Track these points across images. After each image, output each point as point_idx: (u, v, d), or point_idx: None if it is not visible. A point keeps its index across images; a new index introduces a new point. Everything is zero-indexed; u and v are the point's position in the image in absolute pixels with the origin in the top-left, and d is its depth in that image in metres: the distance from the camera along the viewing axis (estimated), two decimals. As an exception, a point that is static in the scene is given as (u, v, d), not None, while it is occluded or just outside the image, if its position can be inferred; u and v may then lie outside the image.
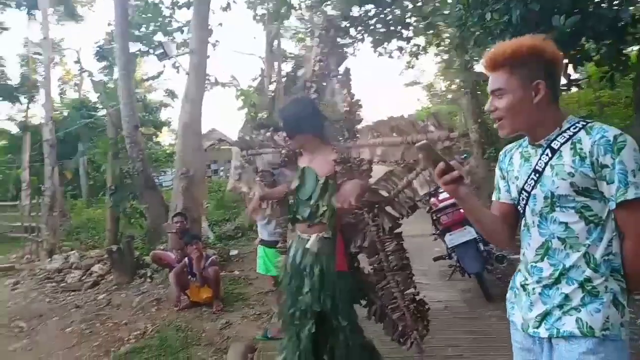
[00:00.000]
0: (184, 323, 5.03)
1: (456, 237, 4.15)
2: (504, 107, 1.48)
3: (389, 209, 2.69)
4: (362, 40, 14.33)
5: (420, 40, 13.99)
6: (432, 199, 4.63)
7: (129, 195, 10.11)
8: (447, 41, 12.22)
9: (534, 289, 1.50)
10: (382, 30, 13.39)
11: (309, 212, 2.62)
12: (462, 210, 4.24)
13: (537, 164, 1.48)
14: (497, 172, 1.70)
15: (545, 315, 1.46)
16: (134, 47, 13.51)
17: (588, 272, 1.39)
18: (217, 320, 5.07)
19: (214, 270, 5.41)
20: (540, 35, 1.54)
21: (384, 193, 2.67)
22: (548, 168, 1.44)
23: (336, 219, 2.59)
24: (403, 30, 13.20)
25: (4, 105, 24.66)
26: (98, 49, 17.74)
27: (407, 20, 12.59)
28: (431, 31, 12.58)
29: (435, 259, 4.88)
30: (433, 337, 3.71)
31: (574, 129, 1.43)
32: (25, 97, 19.12)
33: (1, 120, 32.39)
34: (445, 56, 15.30)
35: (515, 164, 1.59)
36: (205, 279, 5.39)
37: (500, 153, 1.71)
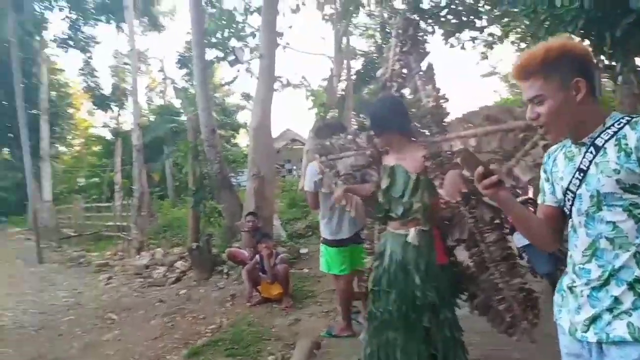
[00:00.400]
0: (256, 318, 5.26)
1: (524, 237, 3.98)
2: (547, 112, 1.46)
3: (487, 199, 2.58)
4: (433, 32, 14.07)
5: (495, 29, 13.43)
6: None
7: (208, 195, 10.68)
8: (522, 29, 11.68)
9: (582, 291, 1.46)
10: (453, 21, 13.07)
11: (403, 210, 2.65)
12: (531, 209, 4.08)
13: (581, 162, 1.45)
14: (542, 174, 1.68)
15: (594, 319, 1.41)
16: (210, 53, 14.17)
17: (638, 273, 1.34)
18: (287, 316, 5.25)
19: (284, 267, 5.60)
20: (563, 34, 1.56)
21: None
22: (593, 166, 1.41)
23: (430, 214, 2.62)
24: (476, 20, 12.81)
25: (99, 113, 26.81)
26: (179, 57, 18.86)
27: (480, 9, 12.19)
28: (506, 19, 12.08)
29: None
30: (501, 340, 3.63)
31: (618, 124, 1.40)
32: (116, 105, 20.82)
33: (97, 127, 35.52)
34: (523, 45, 14.58)
35: (559, 165, 1.56)
36: (275, 276, 5.60)
37: (544, 155, 1.69)
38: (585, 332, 1.42)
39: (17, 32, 16.78)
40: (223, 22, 14.98)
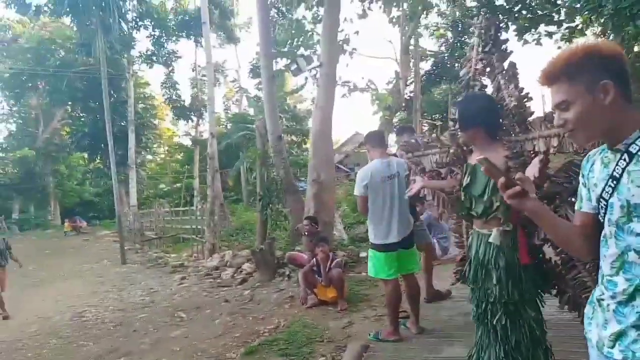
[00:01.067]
0: (311, 320, 5.38)
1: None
2: (573, 118, 1.40)
3: (572, 199, 2.59)
4: (506, 29, 13.55)
5: (575, 22, 12.68)
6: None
7: (275, 199, 11.05)
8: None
9: (608, 305, 1.40)
10: (528, 16, 12.52)
11: (483, 208, 2.69)
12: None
13: (614, 169, 1.38)
14: (580, 179, 1.61)
15: (619, 335, 1.35)
16: (281, 62, 14.64)
17: None
18: (341, 319, 5.33)
19: (338, 272, 5.69)
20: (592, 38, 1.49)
21: (565, 183, 2.66)
22: (625, 174, 1.34)
23: (512, 214, 2.58)
24: (554, 14, 12.19)
25: (181, 122, 28.53)
26: (251, 67, 19.63)
27: (559, 2, 11.60)
28: (587, 11, 11.38)
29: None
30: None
31: None
32: (194, 115, 22.04)
33: (179, 136, 37.75)
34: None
35: (596, 170, 1.49)
36: (330, 279, 5.71)
37: (584, 159, 1.62)
38: (612, 347, 1.37)
39: (107, 51, 18.34)
40: (293, 31, 15.44)
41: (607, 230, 1.41)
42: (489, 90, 3.16)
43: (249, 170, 22.74)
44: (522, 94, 2.87)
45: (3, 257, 8.37)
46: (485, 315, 2.71)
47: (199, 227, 13.23)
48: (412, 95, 16.80)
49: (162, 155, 39.89)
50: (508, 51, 3.15)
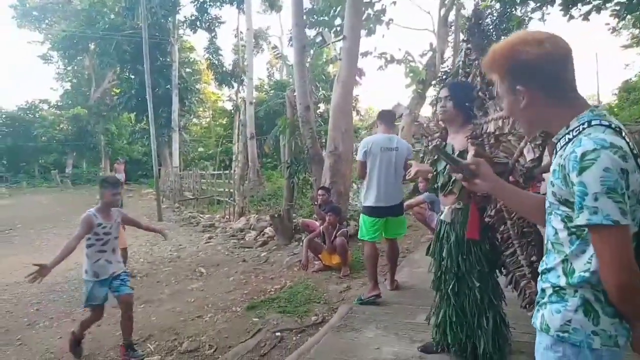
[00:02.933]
0: (313, 283, 5.79)
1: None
2: (505, 110, 1.53)
3: (511, 178, 2.74)
4: (552, 3, 13.02)
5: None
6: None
7: (302, 168, 11.42)
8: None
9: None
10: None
11: (442, 183, 3.01)
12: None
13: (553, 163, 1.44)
14: None
15: (538, 307, 1.50)
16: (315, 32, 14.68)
17: (562, 280, 1.35)
18: (341, 283, 5.71)
19: (342, 240, 6.03)
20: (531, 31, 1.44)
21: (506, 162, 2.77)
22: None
23: (466, 191, 2.81)
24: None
25: (225, 88, 29.05)
26: (290, 35, 19.72)
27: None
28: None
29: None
30: (516, 322, 3.72)
31: (577, 131, 1.32)
32: (235, 81, 22.52)
33: (223, 101, 38.54)
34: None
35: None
36: (334, 246, 6.06)
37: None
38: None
39: (149, 16, 18.91)
40: (330, 1, 15.40)
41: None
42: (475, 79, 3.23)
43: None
44: (486, 81, 2.96)
45: None
46: (440, 283, 3.07)
47: (231, 190, 13.84)
48: (454, 68, 16.46)
49: (207, 119, 40.94)
50: (486, 44, 3.32)
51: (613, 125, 1.28)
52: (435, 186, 3.16)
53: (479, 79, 3.02)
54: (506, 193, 1.61)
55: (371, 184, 4.67)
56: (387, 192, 4.65)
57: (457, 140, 3.00)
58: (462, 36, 3.41)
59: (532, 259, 2.74)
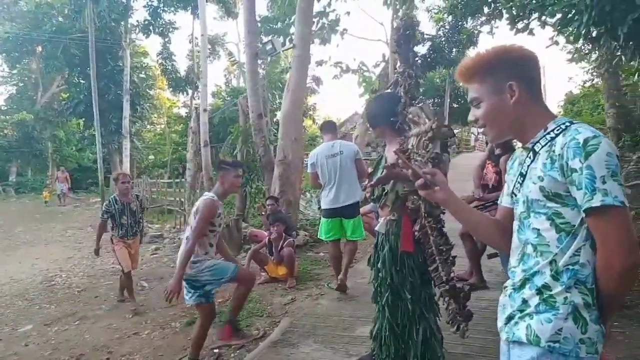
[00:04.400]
0: (258, 295, 5.63)
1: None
2: (482, 115, 1.48)
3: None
4: (500, 17, 13.45)
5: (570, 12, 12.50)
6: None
7: (254, 176, 11.24)
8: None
9: (507, 291, 1.50)
10: (519, 4, 12.42)
11: (377, 195, 3.02)
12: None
13: (522, 167, 1.47)
14: (505, 176, 1.69)
15: (508, 319, 1.45)
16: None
17: (548, 279, 1.34)
18: (286, 295, 5.58)
19: (289, 250, 5.92)
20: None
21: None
22: (529, 172, 1.42)
23: (400, 203, 2.87)
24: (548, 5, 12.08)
25: (181, 94, 28.48)
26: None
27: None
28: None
29: (490, 256, 4.69)
30: (449, 333, 3.72)
31: (557, 130, 1.37)
32: (190, 88, 22.11)
33: (179, 107, 37.81)
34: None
35: (514, 167, 1.57)
36: (281, 257, 5.94)
37: (509, 159, 1.67)
38: (501, 330, 1.48)
39: (102, 19, 18.32)
40: (285, 9, 15.36)
41: (515, 224, 1.50)
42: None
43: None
44: (409, 96, 2.99)
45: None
46: (377, 294, 3.05)
47: (182, 199, 13.48)
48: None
49: (162, 126, 39.97)
50: (415, 52, 3.32)
51: None
52: (372, 197, 3.13)
53: (402, 92, 2.99)
54: (460, 209, 1.61)
55: (325, 189, 5.16)
56: (337, 195, 5.05)
57: (389, 154, 3.00)
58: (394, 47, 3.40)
59: (450, 276, 2.72)
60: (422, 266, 2.88)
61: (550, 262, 1.34)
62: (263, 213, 6.77)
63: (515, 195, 1.48)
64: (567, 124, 1.35)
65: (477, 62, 1.46)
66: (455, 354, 3.37)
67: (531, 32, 13.41)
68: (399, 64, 3.21)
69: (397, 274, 2.89)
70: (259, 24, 15.26)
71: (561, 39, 11.61)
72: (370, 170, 3.80)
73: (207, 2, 19.83)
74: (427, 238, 2.80)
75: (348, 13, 14.41)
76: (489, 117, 1.47)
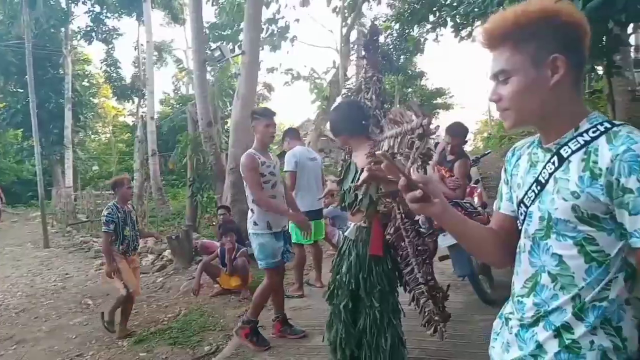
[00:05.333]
0: (210, 309, 5.47)
1: (448, 238, 4.00)
2: (510, 94, 1.13)
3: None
4: (445, 24, 13.83)
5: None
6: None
7: (206, 185, 10.99)
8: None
9: (512, 327, 1.24)
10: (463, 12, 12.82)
11: (349, 201, 2.96)
12: (457, 210, 4.09)
13: (541, 173, 1.16)
14: (502, 174, 1.38)
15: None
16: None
17: (569, 317, 1.10)
18: (239, 307, 5.44)
19: (242, 261, 5.78)
20: None
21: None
22: (551, 181, 1.12)
23: (373, 208, 2.82)
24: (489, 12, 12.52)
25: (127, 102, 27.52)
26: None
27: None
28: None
29: (441, 259, 4.74)
30: (407, 338, 3.72)
31: (594, 132, 1.08)
32: (136, 96, 21.43)
33: (125, 116, 36.63)
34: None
35: (521, 167, 1.27)
36: (234, 268, 5.78)
37: (508, 152, 1.37)
38: None
39: (40, 26, 17.46)
40: (233, 16, 15.22)
41: (523, 242, 1.22)
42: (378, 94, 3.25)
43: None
44: (380, 100, 3.03)
45: None
46: (333, 297, 2.99)
47: (129, 211, 12.96)
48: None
49: (107, 135, 38.56)
50: (381, 59, 3.31)
51: None
52: (343, 205, 3.09)
53: (374, 96, 3.01)
54: (454, 222, 1.28)
55: (304, 191, 5.23)
56: (314, 198, 5.27)
57: (358, 159, 2.97)
58: (360, 53, 3.46)
59: (428, 277, 2.73)
60: (391, 272, 2.88)
61: (574, 298, 1.09)
62: (214, 223, 6.57)
63: (527, 207, 1.19)
64: (608, 125, 1.07)
65: (513, 21, 1.10)
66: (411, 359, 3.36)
67: (474, 40, 13.92)
68: (366, 69, 3.22)
69: (363, 282, 2.84)
70: (207, 31, 15.08)
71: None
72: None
73: (152, 8, 19.40)
74: (401, 241, 2.80)
75: (297, 20, 14.53)
76: (519, 97, 1.12)
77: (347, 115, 3.02)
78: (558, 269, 1.11)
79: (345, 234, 3.04)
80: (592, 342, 1.07)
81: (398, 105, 30.80)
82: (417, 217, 2.80)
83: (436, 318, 2.69)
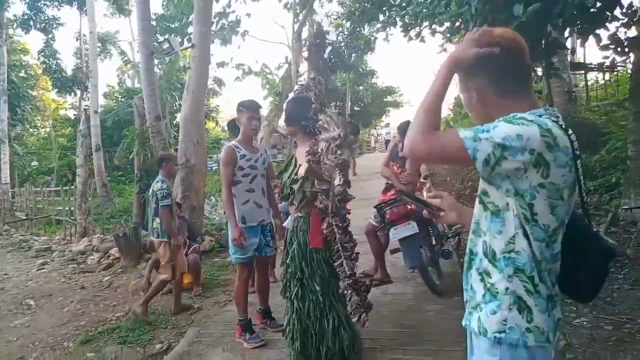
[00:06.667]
0: (161, 307, 5.35)
1: (399, 232, 4.16)
2: (464, 104, 1.51)
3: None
4: (394, 24, 14.09)
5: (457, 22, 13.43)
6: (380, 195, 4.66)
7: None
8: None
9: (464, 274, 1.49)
10: (411, 13, 13.11)
11: (286, 193, 3.17)
12: (407, 206, 4.24)
13: None
14: None
15: (466, 301, 1.45)
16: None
17: (485, 263, 1.35)
18: (192, 304, 5.35)
19: (194, 257, 5.71)
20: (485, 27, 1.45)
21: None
22: None
23: (307, 202, 3.04)
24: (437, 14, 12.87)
25: (69, 95, 26.29)
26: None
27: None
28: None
29: (392, 252, 4.89)
30: (362, 329, 3.82)
31: None
32: (78, 88, 20.52)
33: (67, 109, 35.01)
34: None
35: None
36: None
37: None
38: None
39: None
40: (182, 8, 14.83)
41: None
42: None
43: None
44: (319, 102, 3.17)
45: None
46: (286, 290, 3.16)
47: (72, 208, 12.47)
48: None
49: (47, 129, 36.70)
50: (327, 59, 3.55)
51: (559, 122, 1.30)
52: (282, 196, 3.29)
53: (313, 98, 3.15)
54: (469, 217, 1.50)
55: None
56: None
57: (298, 154, 3.17)
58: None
59: (352, 271, 2.98)
60: (330, 260, 3.05)
61: (483, 243, 1.38)
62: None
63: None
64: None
65: (454, 55, 1.40)
66: (364, 349, 3.45)
67: (422, 40, 14.28)
68: (309, 70, 3.34)
69: (307, 268, 3.02)
70: (154, 22, 14.64)
71: (450, 46, 12.45)
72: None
73: (96, -3, 18.62)
74: (333, 236, 3.00)
75: (249, 15, 14.40)
76: (467, 109, 1.48)
77: (300, 110, 3.20)
78: (474, 219, 1.43)
79: (284, 224, 3.25)
80: (506, 288, 1.30)
81: (349, 103, 31.05)
82: (346, 216, 3.03)
83: (360, 309, 2.98)
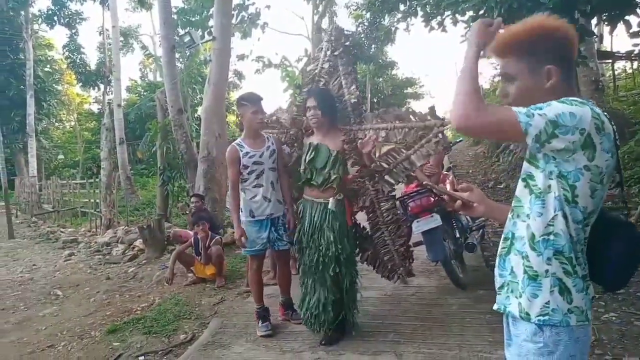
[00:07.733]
0: (185, 297, 5.42)
1: (422, 224, 4.11)
2: (515, 93, 1.42)
3: (387, 177, 3.49)
4: (415, 14, 13.89)
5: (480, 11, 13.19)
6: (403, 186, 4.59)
7: (177, 174, 10.81)
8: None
9: (498, 255, 1.50)
10: (433, 2, 12.92)
11: (322, 179, 3.39)
12: (430, 197, 4.19)
13: None
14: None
15: (501, 287, 1.45)
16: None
17: (527, 247, 1.36)
18: (215, 295, 5.41)
19: (216, 249, 5.75)
20: (551, 14, 1.41)
21: (385, 165, 3.47)
22: None
23: (342, 185, 3.42)
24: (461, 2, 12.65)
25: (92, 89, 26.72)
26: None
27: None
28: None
29: (415, 244, 4.83)
30: (382, 322, 3.81)
31: None
32: (101, 82, 20.84)
33: (91, 103, 35.61)
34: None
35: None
36: (208, 257, 5.75)
37: None
38: (497, 299, 1.47)
39: (3, 7, 16.74)
40: (202, 1, 14.88)
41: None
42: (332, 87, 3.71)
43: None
44: (359, 94, 3.58)
45: None
46: (317, 268, 3.41)
47: (98, 201, 12.71)
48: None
49: (72, 123, 37.44)
50: (354, 58, 3.83)
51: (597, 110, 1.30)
52: (312, 182, 3.45)
53: (356, 91, 3.56)
54: (501, 212, 1.57)
55: None
56: None
57: (331, 143, 3.42)
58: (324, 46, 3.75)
59: (399, 239, 3.60)
60: (356, 239, 3.63)
61: (527, 227, 1.38)
62: (187, 212, 6.51)
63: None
64: None
65: (516, 38, 1.39)
66: (386, 342, 3.45)
67: (444, 29, 14.10)
68: (343, 67, 3.63)
69: (345, 246, 3.38)
70: (175, 16, 14.73)
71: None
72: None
73: (118, -8, 18.81)
74: (373, 211, 3.57)
75: (268, 7, 14.41)
76: (521, 97, 1.40)
77: (335, 101, 3.51)
78: (514, 202, 1.44)
79: (329, 206, 3.39)
80: (546, 271, 1.33)
81: (369, 95, 30.89)
82: (392, 193, 3.53)
83: (402, 270, 3.60)
